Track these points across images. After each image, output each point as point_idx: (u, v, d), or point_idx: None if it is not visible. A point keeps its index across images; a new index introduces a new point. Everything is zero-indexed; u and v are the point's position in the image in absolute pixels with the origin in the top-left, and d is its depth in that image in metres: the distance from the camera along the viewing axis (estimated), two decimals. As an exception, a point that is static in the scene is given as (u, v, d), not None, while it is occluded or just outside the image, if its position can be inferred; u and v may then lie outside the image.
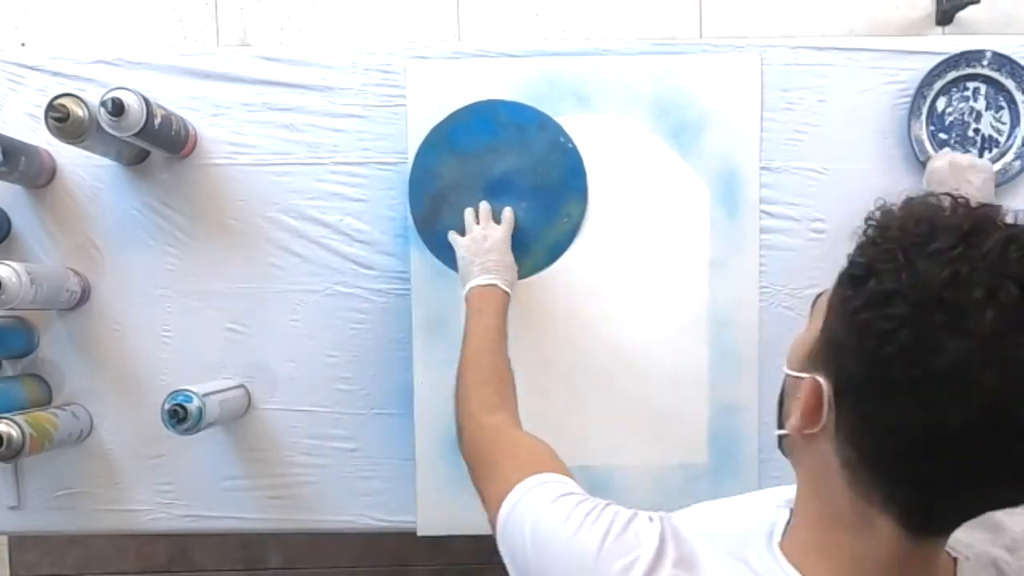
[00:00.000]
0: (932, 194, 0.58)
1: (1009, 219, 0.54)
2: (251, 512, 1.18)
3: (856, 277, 0.58)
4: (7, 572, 1.85)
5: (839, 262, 1.19)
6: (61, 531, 1.21)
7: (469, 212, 1.12)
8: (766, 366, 1.14)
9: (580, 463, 1.15)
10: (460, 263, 1.08)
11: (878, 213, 0.61)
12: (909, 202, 0.60)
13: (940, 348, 0.49)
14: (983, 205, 0.55)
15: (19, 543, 1.85)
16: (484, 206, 1.12)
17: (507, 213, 1.11)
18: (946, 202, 0.56)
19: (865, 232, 0.60)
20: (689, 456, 1.15)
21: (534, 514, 0.68)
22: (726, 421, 1.14)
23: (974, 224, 0.52)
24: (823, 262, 1.14)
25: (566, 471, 0.75)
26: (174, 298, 1.16)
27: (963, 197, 0.56)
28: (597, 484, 1.15)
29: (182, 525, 1.18)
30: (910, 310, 0.51)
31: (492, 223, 1.11)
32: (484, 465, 0.80)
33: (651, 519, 0.68)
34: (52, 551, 1.85)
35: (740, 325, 1.14)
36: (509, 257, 1.08)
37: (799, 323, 1.13)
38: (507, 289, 1.03)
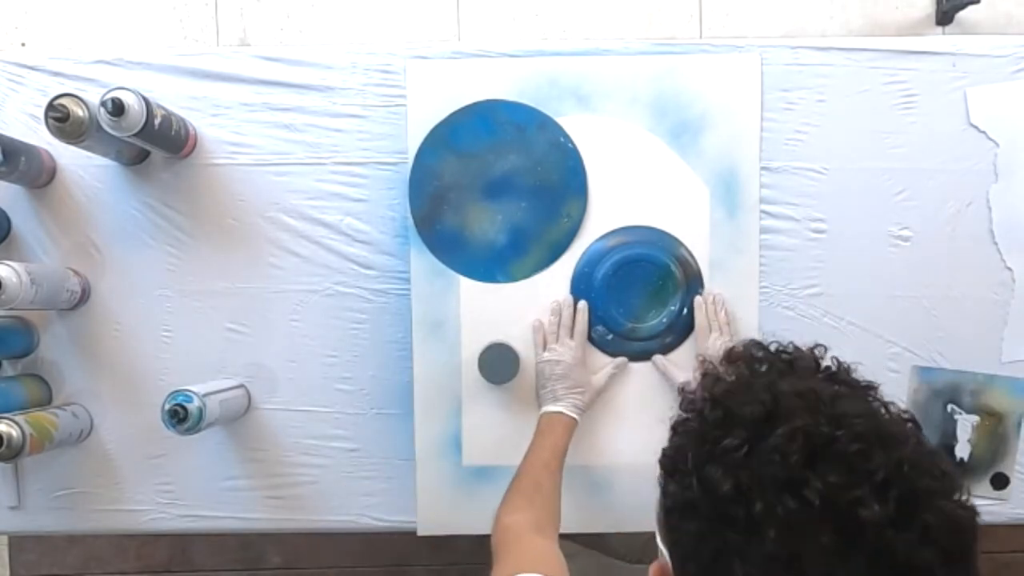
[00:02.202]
0: (756, 345, 0.58)
1: (827, 362, 0.57)
2: (251, 512, 1.18)
3: (666, 471, 0.57)
4: (7, 572, 1.85)
5: (839, 262, 1.20)
6: (61, 531, 1.21)
7: (567, 315, 1.12)
8: (766, 366, 1.14)
9: (580, 463, 1.15)
10: (537, 378, 1.12)
11: (692, 383, 0.59)
12: (725, 363, 0.58)
13: (733, 570, 0.49)
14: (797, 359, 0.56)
15: (19, 543, 1.85)
16: (564, 320, 1.12)
17: (580, 327, 1.12)
18: (761, 365, 0.56)
19: (681, 405, 0.58)
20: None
21: None
22: (726, 421, 1.14)
23: (768, 411, 0.52)
24: (823, 262, 1.14)
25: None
26: (174, 298, 1.16)
27: (786, 351, 0.57)
28: (597, 484, 1.15)
29: (182, 525, 1.18)
30: (706, 526, 0.51)
31: (567, 340, 1.11)
32: (495, 560, 0.86)
33: None
34: (52, 551, 1.85)
35: (740, 325, 1.14)
36: (582, 376, 1.10)
37: (799, 323, 1.14)
38: (574, 415, 1.07)
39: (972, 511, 0.51)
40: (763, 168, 1.13)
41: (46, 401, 1.16)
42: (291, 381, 1.16)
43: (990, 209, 1.13)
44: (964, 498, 0.50)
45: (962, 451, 1.15)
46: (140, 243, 1.16)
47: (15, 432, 1.00)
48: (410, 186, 1.14)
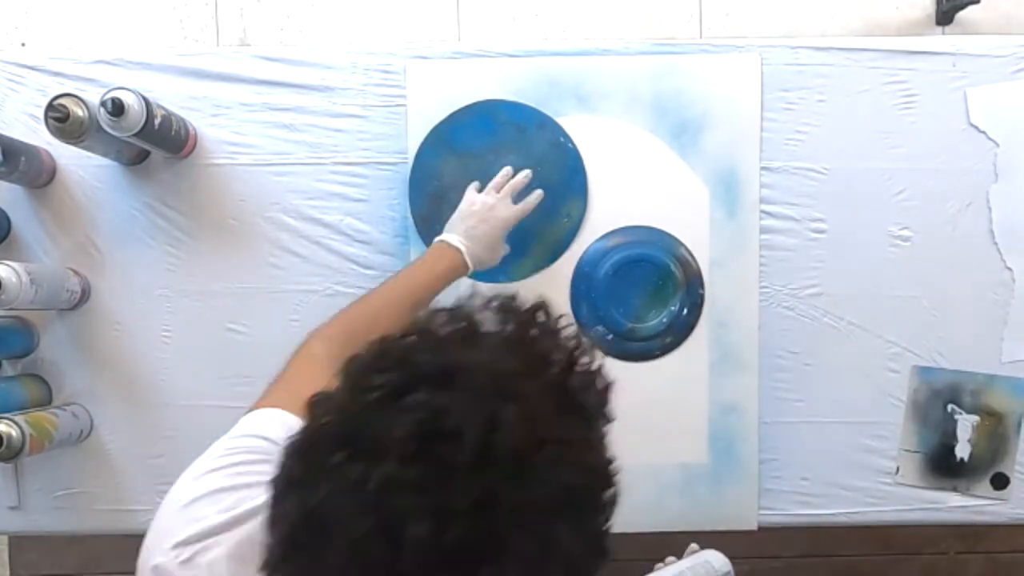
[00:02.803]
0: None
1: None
2: (251, 512, 1.17)
3: None
4: (7, 572, 1.85)
5: (839, 262, 1.20)
6: (61, 531, 1.21)
7: (506, 171, 1.08)
8: (766, 366, 1.14)
9: (580, 463, 1.15)
10: (456, 212, 1.05)
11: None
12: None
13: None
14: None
15: (19, 543, 1.85)
16: (515, 181, 1.08)
17: (532, 198, 1.07)
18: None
19: None
20: (689, 456, 1.15)
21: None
22: (726, 421, 1.14)
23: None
24: (823, 262, 1.14)
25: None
26: (174, 298, 1.16)
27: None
28: (597, 484, 1.15)
29: (182, 525, 1.18)
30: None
31: (509, 200, 1.07)
32: (277, 376, 0.81)
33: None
34: (52, 551, 1.84)
35: (740, 325, 1.14)
36: (499, 237, 1.04)
37: (799, 323, 1.15)
38: (469, 262, 1.01)
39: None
40: (763, 168, 1.13)
41: (46, 401, 1.16)
42: (291, 381, 1.16)
43: (990, 209, 1.13)
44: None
45: (962, 451, 1.15)
46: (140, 243, 1.16)
47: (15, 432, 1.00)
48: (410, 186, 1.14)
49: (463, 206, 1.06)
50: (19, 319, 1.15)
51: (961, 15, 1.78)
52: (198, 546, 0.57)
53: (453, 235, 1.03)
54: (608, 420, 0.50)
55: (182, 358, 1.16)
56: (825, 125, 1.13)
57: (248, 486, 0.60)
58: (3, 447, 0.99)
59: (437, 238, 1.04)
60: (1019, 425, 1.15)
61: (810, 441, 1.15)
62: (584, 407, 0.48)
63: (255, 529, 0.54)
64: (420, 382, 0.45)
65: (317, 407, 0.49)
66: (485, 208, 1.05)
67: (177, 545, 0.57)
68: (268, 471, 0.57)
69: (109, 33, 1.84)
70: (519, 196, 1.10)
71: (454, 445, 0.43)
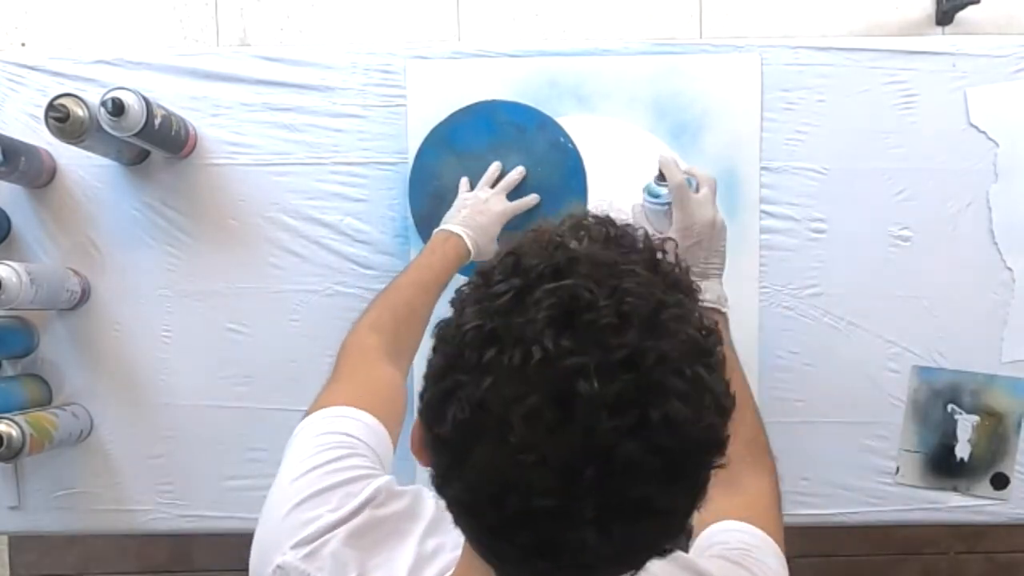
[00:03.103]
0: (593, 217, 0.56)
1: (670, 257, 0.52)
2: (251, 512, 1.16)
3: (441, 325, 0.53)
4: (7, 572, 1.85)
5: (839, 262, 1.20)
6: (61, 531, 1.21)
7: (496, 166, 1.11)
8: (766, 366, 1.14)
9: (580, 463, 1.15)
10: (451, 208, 1.08)
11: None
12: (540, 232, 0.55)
13: (446, 414, 0.48)
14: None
15: (19, 543, 1.85)
16: (510, 178, 1.11)
17: (529, 199, 1.10)
18: (578, 231, 0.54)
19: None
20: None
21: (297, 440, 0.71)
22: (726, 421, 1.14)
23: (553, 266, 0.49)
24: (823, 262, 1.14)
25: (393, 419, 0.76)
26: (174, 298, 1.16)
27: (615, 226, 0.54)
28: (597, 484, 1.15)
29: (182, 525, 1.18)
30: (444, 363, 0.50)
31: (502, 196, 1.09)
32: (334, 373, 0.82)
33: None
34: (52, 551, 1.85)
35: (740, 325, 1.14)
36: (495, 231, 1.06)
37: (799, 323, 1.14)
38: (471, 248, 1.02)
39: (716, 434, 0.48)
40: (763, 168, 1.13)
41: (46, 401, 1.16)
42: (291, 381, 1.16)
43: (990, 209, 1.13)
44: (711, 424, 0.47)
45: (962, 451, 1.15)
46: (140, 243, 1.16)
47: (15, 432, 1.00)
48: (410, 186, 1.14)
49: (457, 200, 1.08)
50: (19, 319, 1.15)
51: (961, 15, 1.78)
52: (317, 542, 0.61)
53: (452, 224, 1.04)
54: (698, 293, 0.54)
55: (182, 358, 1.16)
56: (825, 125, 1.13)
57: (347, 482, 0.64)
58: (3, 447, 0.99)
59: (436, 229, 1.05)
60: (1019, 425, 1.15)
61: (810, 441, 1.15)
62: (680, 281, 0.52)
63: (367, 517, 0.62)
64: (540, 279, 0.48)
65: (447, 328, 0.51)
66: (479, 202, 1.07)
67: (297, 544, 0.61)
68: (361, 464, 0.66)
69: (109, 33, 1.84)
70: (515, 195, 1.11)
71: (595, 312, 0.46)
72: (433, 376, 0.51)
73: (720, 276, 0.95)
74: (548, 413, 0.45)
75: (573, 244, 0.52)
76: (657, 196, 0.92)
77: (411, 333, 0.92)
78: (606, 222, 0.55)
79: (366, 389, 0.78)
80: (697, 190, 0.92)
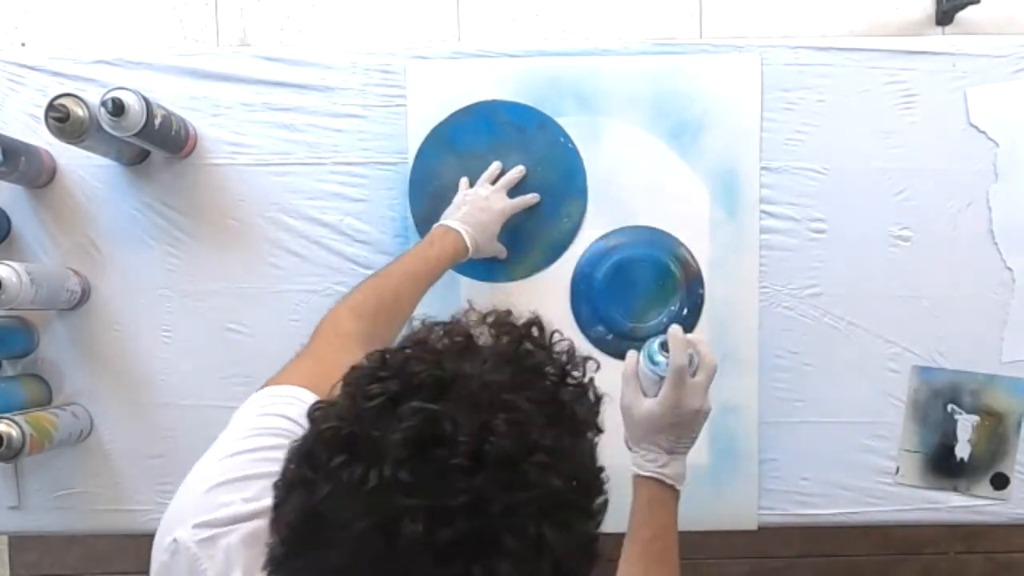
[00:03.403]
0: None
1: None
2: (251, 512, 1.18)
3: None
4: (7, 572, 1.85)
5: (839, 262, 1.20)
6: (61, 531, 1.21)
7: (496, 164, 1.11)
8: (766, 366, 1.14)
9: (580, 463, 1.15)
10: (451, 204, 1.08)
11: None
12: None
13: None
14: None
15: (19, 543, 1.85)
16: (510, 176, 1.10)
17: (528, 197, 1.11)
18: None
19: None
20: (689, 456, 1.15)
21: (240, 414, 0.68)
22: (726, 421, 1.14)
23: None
24: (823, 262, 1.14)
25: None
26: (174, 298, 1.16)
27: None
28: (597, 484, 1.15)
29: (182, 525, 1.18)
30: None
31: (503, 194, 1.09)
32: (304, 349, 0.81)
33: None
34: (52, 551, 1.84)
35: (740, 325, 1.14)
36: (495, 228, 1.06)
37: (799, 323, 1.15)
38: (469, 245, 1.02)
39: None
40: (763, 168, 1.13)
41: (46, 401, 1.16)
42: (291, 381, 1.16)
43: (990, 209, 1.13)
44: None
45: (962, 451, 1.15)
46: (140, 243, 1.16)
47: (15, 432, 1.00)
48: (410, 186, 1.14)
49: (457, 198, 1.08)
50: (19, 319, 1.15)
51: (961, 15, 1.78)
52: (218, 530, 0.58)
53: (452, 220, 1.04)
54: (598, 431, 0.52)
55: (182, 358, 1.16)
56: (825, 125, 1.13)
57: (273, 475, 0.61)
58: (3, 447, 0.99)
59: (436, 224, 1.05)
60: (1019, 425, 1.15)
61: (810, 441, 1.15)
62: (575, 418, 0.50)
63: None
64: (417, 391, 0.47)
65: (318, 414, 0.50)
66: (479, 199, 1.07)
67: (200, 525, 0.58)
68: None
69: (109, 33, 1.83)
70: (514, 195, 1.11)
71: (448, 449, 0.45)
72: (295, 452, 0.50)
73: (686, 455, 0.90)
74: (373, 542, 0.44)
75: (467, 362, 0.49)
76: (656, 364, 0.88)
77: (391, 322, 0.91)
78: (526, 330, 0.53)
79: (329, 374, 0.77)
80: (695, 373, 0.87)
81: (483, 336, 0.53)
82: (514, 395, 0.47)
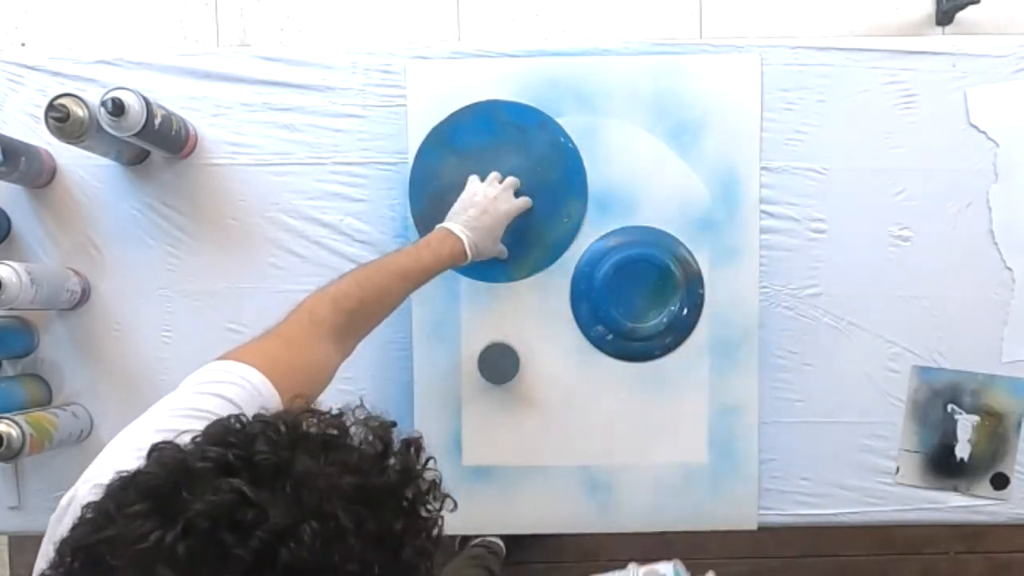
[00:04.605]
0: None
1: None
2: (251, 512, 1.18)
3: None
4: (7, 572, 1.85)
5: (839, 262, 1.20)
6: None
7: (495, 175, 1.10)
8: (766, 366, 1.14)
9: (580, 463, 1.15)
10: (458, 203, 1.06)
11: None
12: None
13: None
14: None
15: (19, 543, 1.85)
16: (511, 179, 1.10)
17: (526, 200, 1.10)
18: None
19: None
20: (689, 456, 1.15)
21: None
22: (725, 421, 1.14)
23: None
24: (823, 262, 1.14)
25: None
26: (174, 298, 1.16)
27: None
28: (597, 484, 1.15)
29: (182, 525, 1.18)
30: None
31: (510, 194, 1.09)
32: (277, 326, 0.80)
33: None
34: (52, 551, 1.84)
35: (740, 325, 1.14)
36: (499, 231, 1.06)
37: (799, 323, 1.15)
38: (469, 251, 1.01)
39: None
40: (763, 168, 1.13)
41: (46, 401, 1.16)
42: (291, 381, 1.16)
43: (990, 209, 1.13)
44: None
45: (962, 451, 1.15)
46: (140, 243, 1.16)
47: (15, 432, 1.00)
48: (410, 186, 1.14)
49: (465, 195, 1.07)
50: (19, 319, 1.15)
51: (961, 15, 1.78)
52: None
53: (455, 224, 1.03)
54: (428, 573, 0.49)
55: (182, 358, 1.16)
56: (825, 125, 1.13)
57: None
58: (3, 447, 0.99)
59: (439, 225, 1.04)
60: (1019, 425, 1.15)
61: (810, 441, 1.15)
62: (399, 553, 0.48)
63: None
64: (249, 469, 0.46)
65: (155, 453, 0.50)
66: (488, 199, 1.06)
67: (98, 484, 0.56)
68: None
69: (109, 33, 1.84)
70: (518, 193, 1.11)
71: (239, 537, 0.43)
72: (116, 483, 0.49)
73: None
74: None
75: (315, 459, 0.47)
76: None
77: (371, 317, 0.90)
78: (398, 446, 0.51)
79: (291, 359, 0.75)
80: None
81: (356, 438, 0.51)
82: (343, 508, 0.45)
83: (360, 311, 0.88)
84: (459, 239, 1.02)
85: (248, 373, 0.70)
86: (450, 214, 1.06)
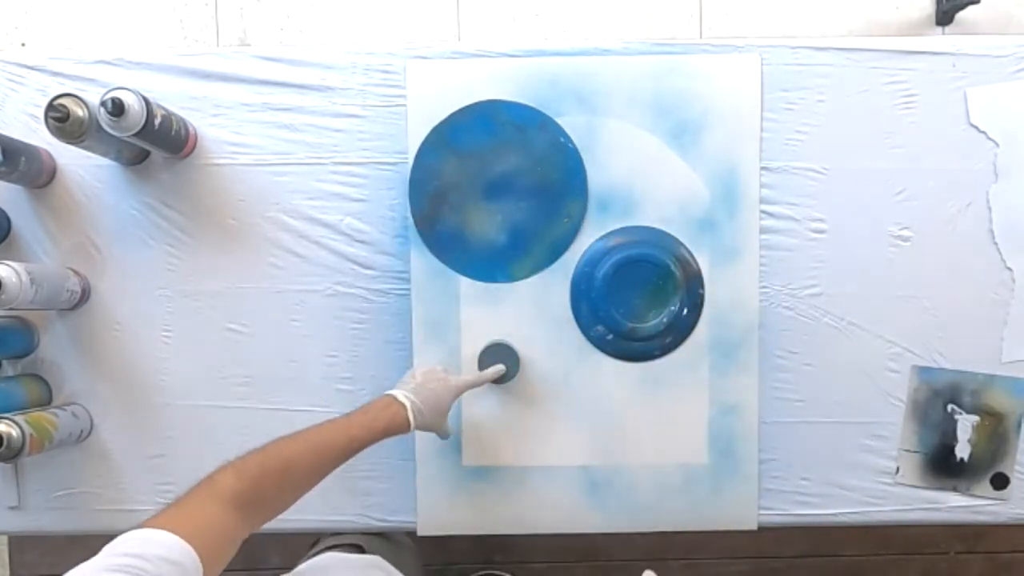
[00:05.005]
0: None
1: None
2: (251, 512, 1.18)
3: None
4: (7, 572, 1.85)
5: (839, 262, 1.20)
6: (61, 531, 1.21)
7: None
8: (766, 366, 1.14)
9: (580, 463, 1.15)
10: (413, 368, 1.07)
11: None
12: None
13: None
14: None
15: (19, 543, 1.85)
16: (491, 371, 1.10)
17: (490, 371, 1.10)
18: None
19: None
20: (689, 456, 1.15)
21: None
22: (725, 421, 1.14)
23: None
24: (823, 262, 1.14)
25: (210, 561, 0.71)
26: (174, 298, 1.16)
27: None
28: (597, 484, 1.16)
29: (182, 525, 1.18)
30: None
31: (462, 376, 1.08)
32: (174, 502, 0.78)
33: None
34: (52, 551, 1.85)
35: (740, 325, 1.14)
36: (444, 404, 1.03)
37: (799, 323, 1.15)
38: (412, 419, 0.99)
39: None
40: (763, 168, 1.13)
41: (46, 401, 1.16)
42: (291, 381, 1.16)
43: (990, 209, 1.13)
44: None
45: (962, 451, 1.15)
46: (140, 243, 1.16)
47: (15, 432, 1.00)
48: (410, 186, 1.14)
49: (417, 370, 1.06)
50: (19, 319, 1.15)
51: (961, 15, 1.78)
52: None
53: (401, 390, 1.01)
54: None
55: (182, 358, 1.16)
56: (825, 125, 1.13)
57: None
58: (3, 447, 0.99)
59: (388, 390, 1.02)
60: (1019, 425, 1.15)
61: (810, 441, 1.15)
62: None
63: None
64: None
65: None
66: (436, 370, 1.05)
67: None
68: None
69: (109, 33, 1.84)
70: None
71: None
72: None
73: None
74: None
75: None
76: None
77: (281, 490, 0.87)
78: None
79: (186, 521, 0.74)
80: None
81: None
82: None
83: (264, 482, 0.84)
84: (402, 406, 0.99)
85: (159, 536, 0.71)
86: (401, 379, 1.05)
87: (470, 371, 1.12)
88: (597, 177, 1.14)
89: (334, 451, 0.92)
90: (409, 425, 0.99)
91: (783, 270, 1.14)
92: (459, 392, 1.06)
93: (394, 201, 1.15)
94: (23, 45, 1.85)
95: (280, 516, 1.18)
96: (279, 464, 0.87)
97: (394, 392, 1.02)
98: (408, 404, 1.00)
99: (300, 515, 1.17)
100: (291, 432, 0.91)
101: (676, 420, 1.15)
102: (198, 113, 1.15)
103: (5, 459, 1.01)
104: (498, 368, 1.11)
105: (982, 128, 1.13)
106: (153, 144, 1.08)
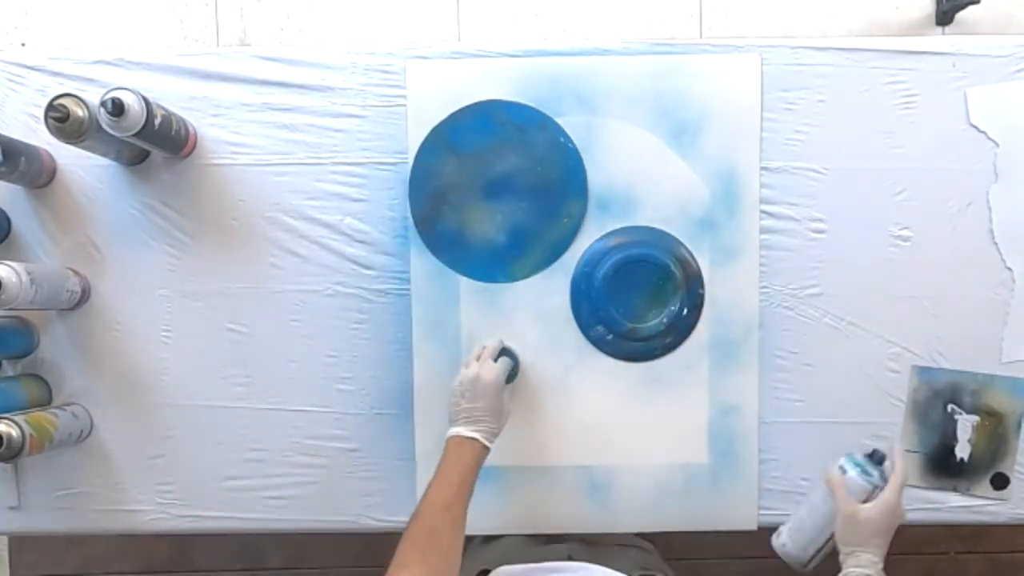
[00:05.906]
0: None
1: None
2: (251, 512, 1.18)
3: None
4: (7, 572, 1.85)
5: (839, 262, 1.20)
6: (61, 531, 1.21)
7: (478, 349, 1.09)
8: (766, 366, 1.14)
9: (580, 463, 1.15)
10: (450, 400, 1.04)
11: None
12: None
13: None
14: None
15: (19, 543, 1.85)
16: (492, 345, 1.10)
17: (504, 360, 1.08)
18: None
19: None
20: (689, 456, 1.15)
21: None
22: (726, 421, 1.14)
23: None
24: (823, 262, 1.14)
25: None
26: (174, 298, 1.16)
27: None
28: (597, 484, 1.16)
29: (182, 525, 1.18)
30: None
31: (490, 362, 1.05)
32: None
33: None
34: (52, 551, 1.85)
35: (740, 325, 1.14)
36: (499, 401, 1.03)
37: (799, 323, 1.15)
38: (487, 442, 0.99)
39: None
40: (763, 168, 1.13)
41: (46, 401, 1.16)
42: (291, 381, 1.16)
43: (990, 209, 1.13)
44: None
45: (962, 451, 1.15)
46: (140, 243, 1.16)
47: (15, 432, 1.00)
48: (410, 186, 1.14)
49: (452, 396, 1.04)
50: (19, 319, 1.15)
51: (961, 15, 1.78)
52: None
53: (460, 427, 1.00)
54: None
55: (182, 358, 1.16)
56: (825, 125, 1.13)
57: None
58: (3, 447, 0.99)
59: (448, 434, 1.01)
60: (1019, 425, 1.15)
61: (810, 441, 1.15)
62: None
63: None
64: None
65: None
66: (472, 383, 1.02)
67: None
68: None
69: (109, 33, 1.84)
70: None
71: None
72: None
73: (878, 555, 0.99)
74: None
75: None
76: (869, 475, 0.97)
77: (442, 554, 0.90)
78: None
79: None
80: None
81: None
82: None
83: (426, 557, 0.88)
84: (473, 440, 0.99)
85: None
86: (450, 415, 1.03)
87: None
88: (597, 177, 1.14)
89: (452, 503, 0.94)
90: (488, 449, 1.00)
91: (783, 270, 1.14)
92: (501, 383, 1.04)
93: (394, 201, 1.15)
94: (23, 45, 1.85)
95: (279, 516, 1.19)
96: (427, 537, 0.90)
97: (456, 432, 1.00)
98: (477, 435, 0.99)
99: (300, 515, 1.18)
100: (413, 511, 0.94)
101: (676, 420, 1.15)
102: (198, 113, 1.15)
103: (5, 459, 1.01)
104: (505, 360, 1.09)
105: (982, 128, 1.13)
106: (153, 144, 1.08)
